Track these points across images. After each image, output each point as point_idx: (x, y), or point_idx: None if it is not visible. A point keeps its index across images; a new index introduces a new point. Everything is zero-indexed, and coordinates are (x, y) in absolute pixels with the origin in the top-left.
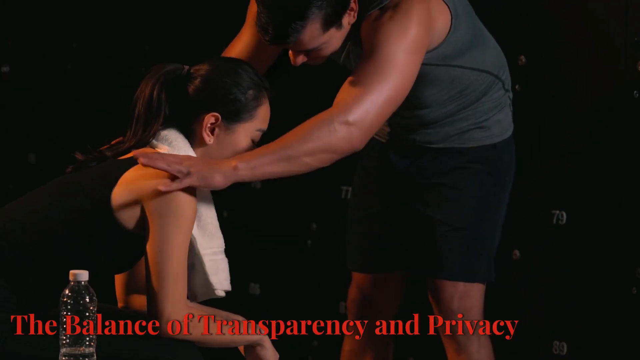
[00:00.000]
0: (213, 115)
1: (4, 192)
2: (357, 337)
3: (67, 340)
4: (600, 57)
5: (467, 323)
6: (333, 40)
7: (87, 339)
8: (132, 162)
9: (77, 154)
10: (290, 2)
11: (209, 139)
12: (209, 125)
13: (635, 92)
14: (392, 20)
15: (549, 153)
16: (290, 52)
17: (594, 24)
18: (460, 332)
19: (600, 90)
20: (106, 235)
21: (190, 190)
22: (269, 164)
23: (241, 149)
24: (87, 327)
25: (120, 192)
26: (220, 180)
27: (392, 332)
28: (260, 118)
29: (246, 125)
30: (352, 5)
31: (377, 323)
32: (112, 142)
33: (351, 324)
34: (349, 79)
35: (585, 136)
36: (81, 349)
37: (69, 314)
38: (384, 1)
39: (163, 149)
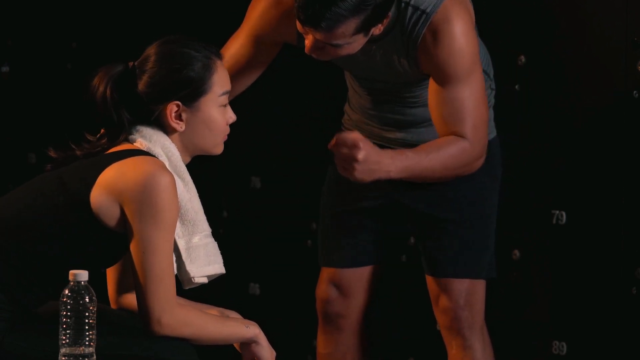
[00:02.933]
0: (173, 104)
1: (4, 192)
2: (330, 338)
3: (67, 340)
4: (600, 57)
5: (474, 318)
6: (355, 44)
7: (87, 339)
8: (111, 159)
9: (50, 150)
10: None
11: (179, 126)
12: (173, 114)
13: (635, 92)
14: (461, 42)
15: (548, 153)
16: (308, 38)
17: (593, 24)
18: (466, 327)
19: (600, 90)
20: (87, 234)
21: (171, 187)
22: (412, 176)
23: (214, 121)
24: (86, 327)
25: (98, 194)
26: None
27: (365, 332)
28: (218, 84)
29: (207, 97)
30: (385, 20)
31: (352, 321)
32: (99, 134)
33: (323, 325)
34: (457, 106)
35: (585, 136)
36: (81, 349)
37: (69, 313)
38: (426, 19)
39: (142, 145)
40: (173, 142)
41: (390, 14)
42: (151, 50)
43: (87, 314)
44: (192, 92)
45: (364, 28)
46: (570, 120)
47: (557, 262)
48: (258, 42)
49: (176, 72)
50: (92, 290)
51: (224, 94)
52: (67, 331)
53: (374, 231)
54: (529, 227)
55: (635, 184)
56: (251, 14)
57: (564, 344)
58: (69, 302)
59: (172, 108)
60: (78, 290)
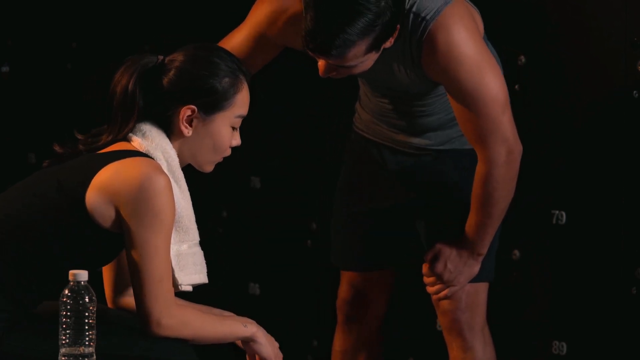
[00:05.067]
0: (189, 108)
1: (3, 192)
2: (348, 337)
3: (67, 340)
4: (600, 57)
5: (474, 319)
6: (368, 61)
7: (87, 339)
8: (107, 159)
9: (56, 145)
10: (348, 17)
11: (187, 131)
12: (185, 117)
13: (635, 92)
14: (463, 52)
15: (549, 153)
16: (321, 62)
17: (593, 24)
18: (467, 329)
19: (600, 90)
20: (84, 234)
21: (168, 189)
22: (493, 233)
23: (221, 138)
24: (86, 327)
25: (93, 195)
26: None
27: (380, 330)
28: (239, 105)
29: (225, 113)
30: (395, 33)
31: (369, 321)
32: (94, 131)
33: (342, 324)
34: (464, 119)
35: (585, 136)
36: (81, 349)
37: (69, 313)
38: (426, 27)
39: (135, 142)
40: (173, 146)
41: (399, 26)
42: (184, 50)
43: (87, 314)
44: (211, 102)
45: (374, 47)
46: (570, 120)
47: (557, 262)
48: (260, 42)
49: (203, 78)
50: (92, 290)
51: (239, 116)
52: (67, 331)
53: (389, 233)
54: (529, 227)
55: (635, 184)
56: (256, 13)
57: (564, 344)
58: (69, 302)
59: (186, 112)
60: (78, 290)
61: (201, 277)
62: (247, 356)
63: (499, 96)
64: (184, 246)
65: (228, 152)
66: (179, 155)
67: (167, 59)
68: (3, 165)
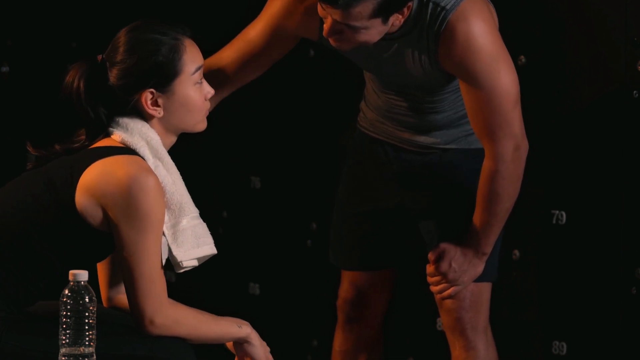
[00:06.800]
0: (147, 92)
1: None
2: (349, 336)
3: (67, 341)
4: (600, 56)
5: (477, 319)
6: (372, 30)
7: (87, 339)
8: (92, 156)
9: (28, 145)
10: None
11: (157, 112)
12: (148, 102)
13: (635, 92)
14: (482, 47)
15: (548, 153)
16: (327, 22)
17: (593, 24)
18: (470, 328)
19: (600, 90)
20: (75, 234)
21: (156, 189)
22: (498, 232)
23: (191, 100)
24: (86, 327)
25: (81, 196)
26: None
27: (381, 330)
28: (188, 63)
29: (180, 78)
30: (405, 10)
31: (370, 321)
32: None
33: (343, 323)
34: (475, 113)
35: (585, 136)
36: (81, 349)
37: (69, 313)
38: (445, 16)
39: (116, 135)
40: (154, 126)
41: (411, 4)
42: (117, 41)
43: (87, 314)
44: (163, 77)
45: (381, 12)
46: (571, 120)
47: (557, 262)
48: (277, 33)
49: (144, 60)
50: (92, 290)
51: (196, 70)
52: (67, 331)
53: (390, 233)
54: (529, 227)
55: (635, 184)
56: (272, 5)
57: (564, 344)
58: (69, 302)
59: (146, 96)
60: (78, 290)
61: (205, 250)
62: (236, 358)
63: (512, 91)
64: (184, 221)
65: (207, 106)
66: (165, 132)
67: (105, 55)
68: (3, 165)
